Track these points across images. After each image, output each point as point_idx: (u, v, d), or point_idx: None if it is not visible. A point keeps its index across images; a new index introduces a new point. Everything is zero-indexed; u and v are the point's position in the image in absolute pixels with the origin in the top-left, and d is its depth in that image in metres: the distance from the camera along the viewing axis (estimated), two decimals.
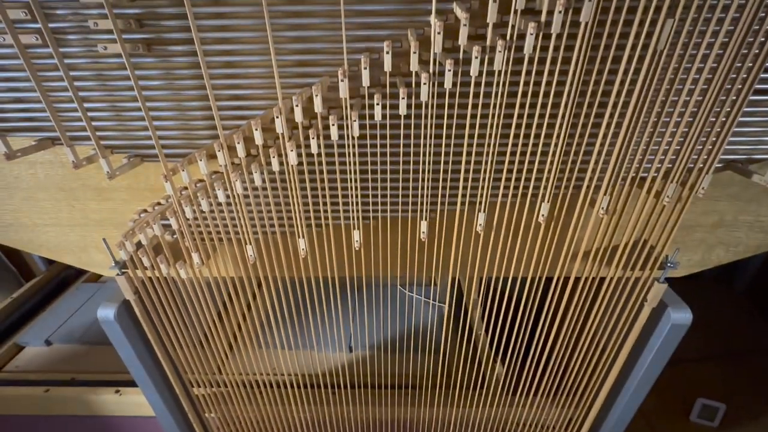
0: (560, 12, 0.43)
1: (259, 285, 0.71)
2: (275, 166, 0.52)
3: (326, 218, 0.63)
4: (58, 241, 0.71)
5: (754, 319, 1.73)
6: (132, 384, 0.97)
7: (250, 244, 0.61)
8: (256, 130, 0.49)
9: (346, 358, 1.11)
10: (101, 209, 0.66)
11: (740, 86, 0.49)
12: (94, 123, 0.56)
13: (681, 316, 0.67)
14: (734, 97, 0.50)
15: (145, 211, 0.65)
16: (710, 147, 0.54)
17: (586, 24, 0.44)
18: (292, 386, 0.89)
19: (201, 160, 0.51)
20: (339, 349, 1.10)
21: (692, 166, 0.56)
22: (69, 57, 0.51)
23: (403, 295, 1.26)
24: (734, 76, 0.48)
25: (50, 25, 0.48)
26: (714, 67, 0.48)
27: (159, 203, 0.64)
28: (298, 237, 0.59)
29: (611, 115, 0.51)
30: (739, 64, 0.48)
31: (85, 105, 0.54)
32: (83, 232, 0.69)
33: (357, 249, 0.62)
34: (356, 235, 0.59)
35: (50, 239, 0.70)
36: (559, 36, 0.44)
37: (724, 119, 0.51)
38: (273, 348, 0.86)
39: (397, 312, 1.17)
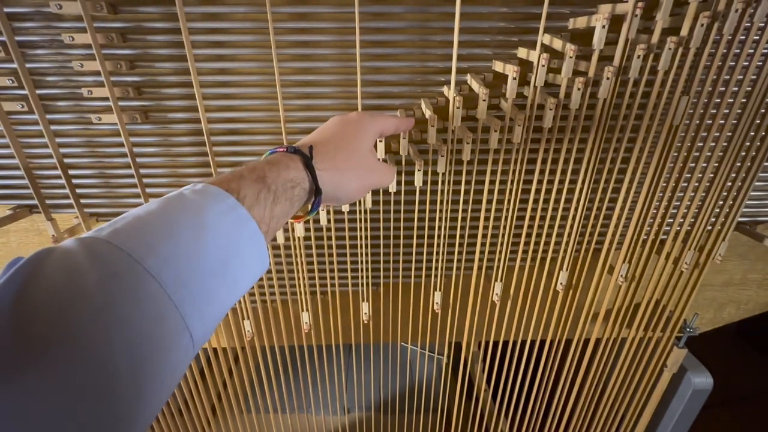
0: (579, 89, 0.42)
1: (243, 348, 0.65)
2: (280, 239, 0.48)
3: (333, 286, 0.59)
4: None
5: (750, 359, 1.73)
6: None
7: (248, 318, 0.55)
8: None
9: (340, 422, 1.02)
10: None
11: (754, 153, 0.49)
12: (78, 190, 0.51)
13: (702, 380, 0.64)
14: (749, 164, 0.50)
15: None
16: (728, 210, 0.53)
17: (604, 100, 0.43)
18: None
19: None
20: (333, 411, 1.02)
21: (710, 228, 0.55)
22: (56, 123, 0.47)
23: (403, 349, 1.20)
24: (749, 143, 0.49)
25: (39, 91, 0.44)
26: (729, 135, 0.48)
27: None
28: (302, 311, 0.54)
29: (630, 181, 0.50)
30: (753, 133, 0.48)
31: (70, 172, 0.50)
32: None
33: (366, 322, 0.57)
34: (365, 307, 0.55)
35: None
36: (579, 108, 0.44)
37: (740, 184, 0.51)
38: (261, 412, 0.78)
39: (397, 367, 1.10)
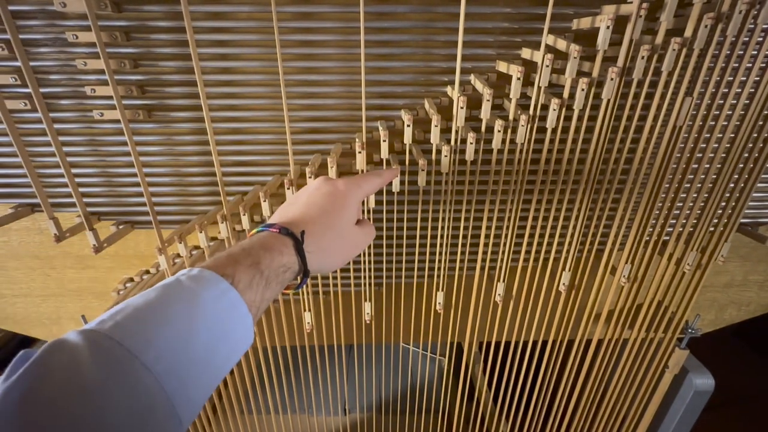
0: (583, 90, 0.42)
1: None
2: None
3: (335, 285, 0.59)
4: (28, 312, 0.63)
5: (750, 360, 1.73)
6: None
7: None
8: (265, 201, 0.46)
9: (341, 422, 1.02)
10: (81, 278, 0.60)
11: (757, 155, 0.49)
12: (81, 189, 0.51)
13: (703, 382, 0.64)
14: (752, 165, 0.50)
15: (131, 280, 0.59)
16: (730, 211, 0.53)
17: (608, 101, 0.43)
18: None
19: (201, 233, 0.47)
20: (334, 412, 1.02)
21: (713, 229, 0.55)
22: (59, 122, 0.47)
23: (404, 350, 1.19)
24: (751, 145, 0.49)
25: (42, 90, 0.44)
26: (732, 137, 0.48)
27: (148, 271, 0.59)
28: (304, 311, 0.54)
29: (633, 182, 0.50)
30: (755, 135, 0.48)
31: (73, 171, 0.50)
32: (58, 303, 0.62)
33: (368, 322, 0.57)
34: (367, 307, 0.55)
35: (18, 311, 0.62)
36: (582, 108, 0.44)
37: (742, 185, 0.51)
38: (261, 412, 0.78)
39: (399, 368, 1.10)
